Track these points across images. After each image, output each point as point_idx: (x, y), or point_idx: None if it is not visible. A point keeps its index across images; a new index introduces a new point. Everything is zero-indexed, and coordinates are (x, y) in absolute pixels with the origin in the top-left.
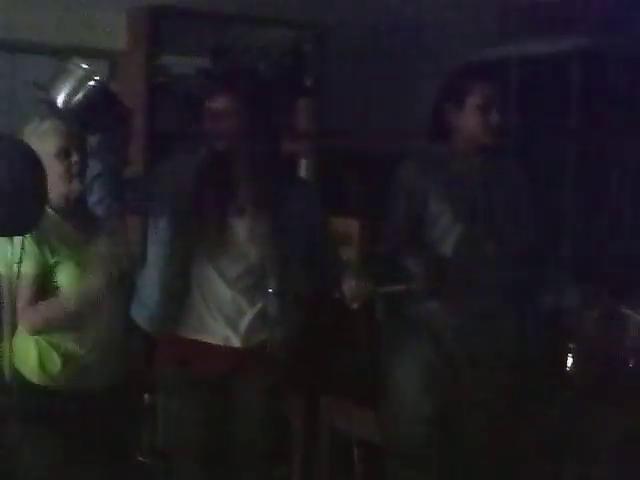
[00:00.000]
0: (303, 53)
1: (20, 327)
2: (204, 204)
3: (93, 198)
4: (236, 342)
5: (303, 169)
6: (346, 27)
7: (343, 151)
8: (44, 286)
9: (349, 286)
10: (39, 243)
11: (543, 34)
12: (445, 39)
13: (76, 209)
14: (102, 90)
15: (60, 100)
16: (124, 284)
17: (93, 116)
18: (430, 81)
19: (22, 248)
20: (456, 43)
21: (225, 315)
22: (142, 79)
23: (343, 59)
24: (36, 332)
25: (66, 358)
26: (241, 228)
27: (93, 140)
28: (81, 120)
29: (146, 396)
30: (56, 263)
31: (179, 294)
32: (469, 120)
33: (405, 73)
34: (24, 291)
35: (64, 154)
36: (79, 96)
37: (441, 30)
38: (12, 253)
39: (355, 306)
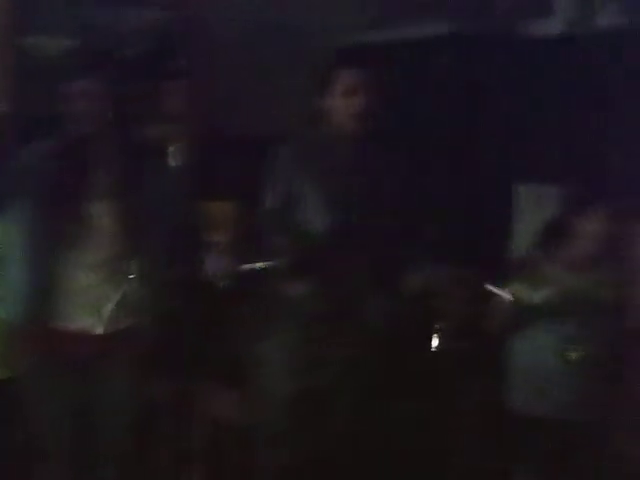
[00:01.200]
0: (175, 35)
1: None
2: (64, 190)
3: None
4: (99, 329)
5: (176, 153)
6: (218, 9)
7: (218, 135)
8: None
9: (213, 264)
10: None
11: (415, 18)
12: (317, 23)
13: None
14: None
15: None
16: None
17: None
18: (303, 67)
19: None
20: (328, 28)
21: (87, 302)
22: (8, 58)
23: (215, 41)
24: None
25: None
26: (101, 214)
27: None
28: None
29: None
30: None
31: (44, 284)
32: (335, 106)
33: (278, 58)
34: None
35: None
36: None
37: (313, 14)
38: None
39: (220, 284)
